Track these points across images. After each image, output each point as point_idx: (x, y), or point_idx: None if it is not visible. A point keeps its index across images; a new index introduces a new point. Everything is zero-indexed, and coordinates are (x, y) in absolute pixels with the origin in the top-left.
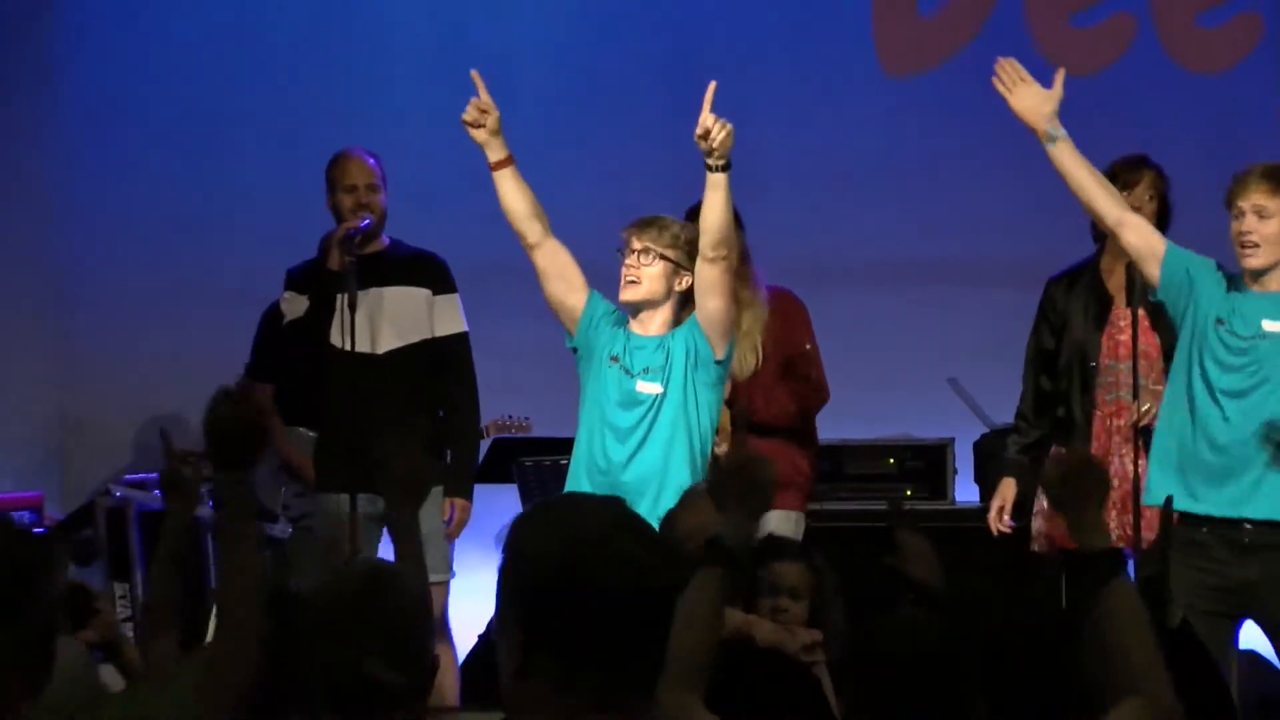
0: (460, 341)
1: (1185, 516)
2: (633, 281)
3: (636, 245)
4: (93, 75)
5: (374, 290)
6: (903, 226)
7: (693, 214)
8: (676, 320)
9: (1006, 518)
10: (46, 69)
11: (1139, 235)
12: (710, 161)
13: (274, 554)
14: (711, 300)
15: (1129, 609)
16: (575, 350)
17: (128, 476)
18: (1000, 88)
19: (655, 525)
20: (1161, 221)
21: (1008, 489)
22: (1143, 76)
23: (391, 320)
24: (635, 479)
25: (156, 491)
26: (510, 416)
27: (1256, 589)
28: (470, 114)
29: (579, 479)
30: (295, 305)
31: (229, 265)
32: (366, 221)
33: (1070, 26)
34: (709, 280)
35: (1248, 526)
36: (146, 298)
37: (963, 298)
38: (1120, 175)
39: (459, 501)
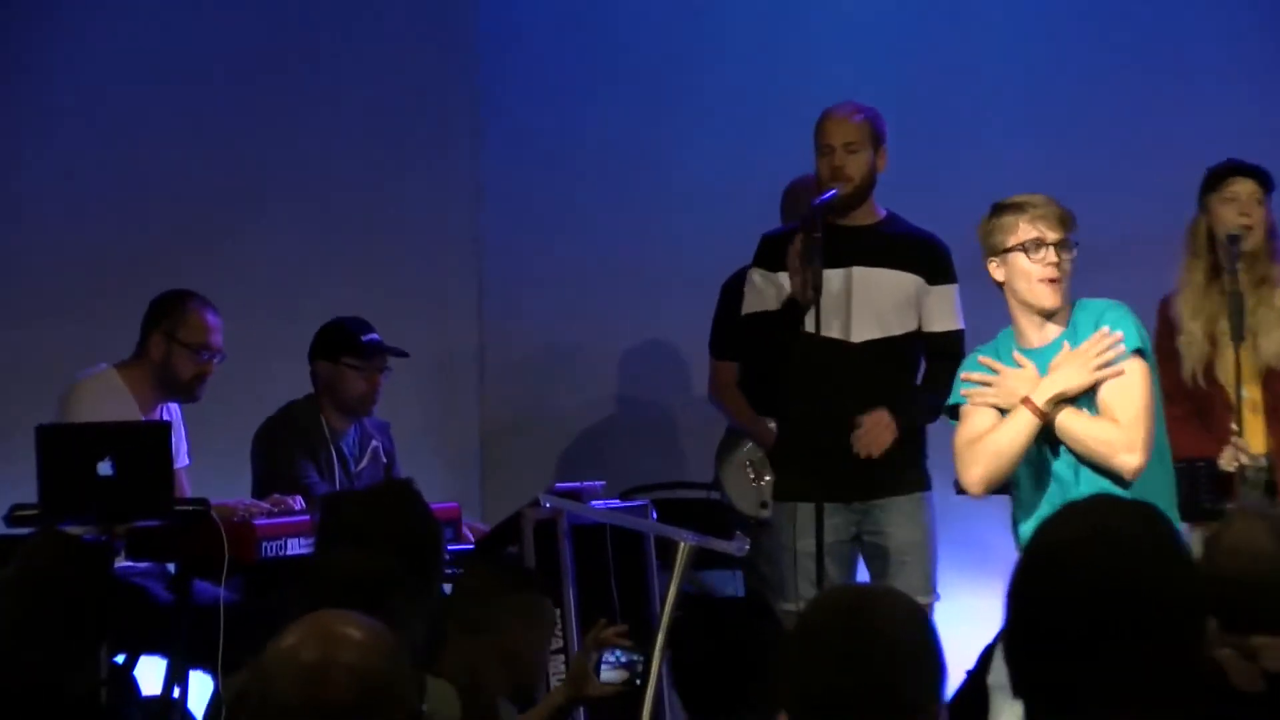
0: (954, 341)
1: None
2: (1055, 281)
3: (1055, 236)
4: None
5: (855, 270)
6: None
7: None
8: None
9: None
10: (473, 90)
11: None
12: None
13: (746, 569)
14: None
15: None
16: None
17: (558, 485)
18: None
19: None
20: None
21: None
22: None
23: (872, 307)
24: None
25: (592, 503)
26: None
27: None
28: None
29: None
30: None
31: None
32: (832, 192)
33: None
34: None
35: None
36: (565, 303)
37: None
38: None
39: None
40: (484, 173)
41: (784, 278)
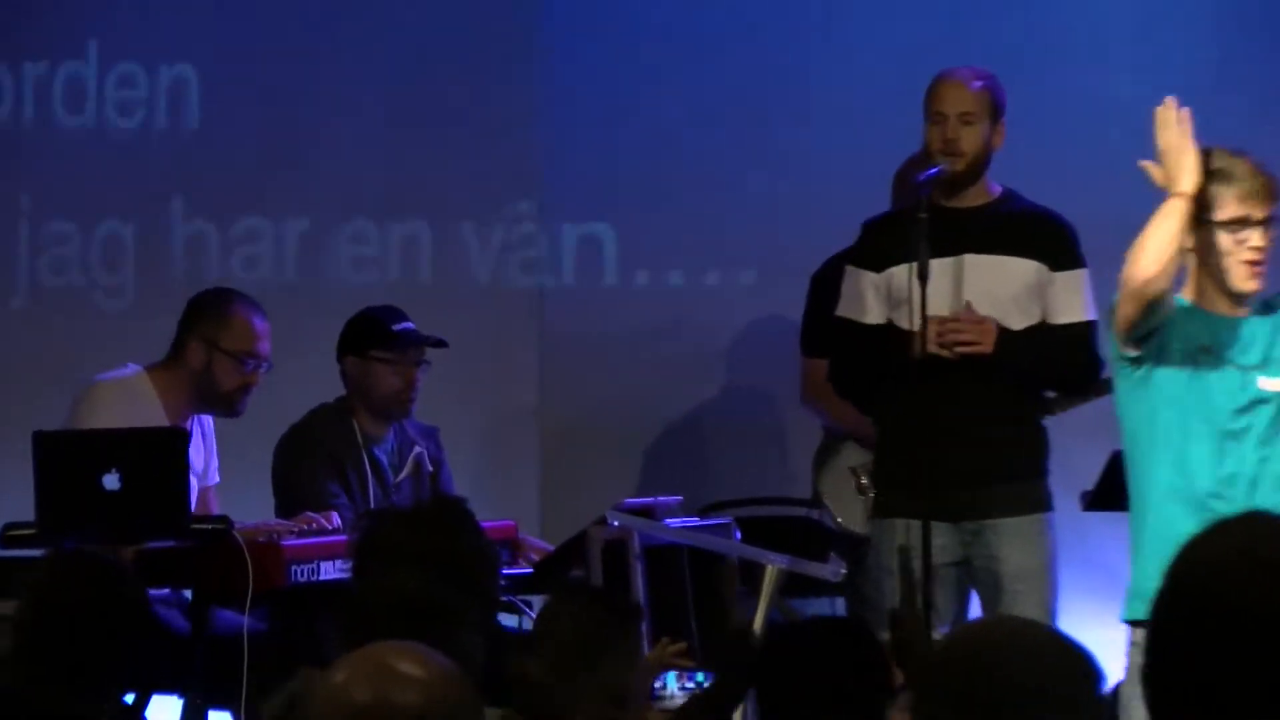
0: (1084, 334)
1: None
2: (1259, 264)
3: (1262, 214)
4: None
5: (966, 258)
6: None
7: None
8: None
9: None
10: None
11: None
12: None
13: (850, 597)
14: None
15: None
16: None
17: (628, 501)
18: None
19: None
20: None
21: None
22: None
23: (987, 299)
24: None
25: (667, 521)
26: None
27: None
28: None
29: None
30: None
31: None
32: (936, 169)
33: None
34: None
35: None
36: (636, 292)
37: None
38: None
39: None
40: (543, 149)
41: (883, 280)
